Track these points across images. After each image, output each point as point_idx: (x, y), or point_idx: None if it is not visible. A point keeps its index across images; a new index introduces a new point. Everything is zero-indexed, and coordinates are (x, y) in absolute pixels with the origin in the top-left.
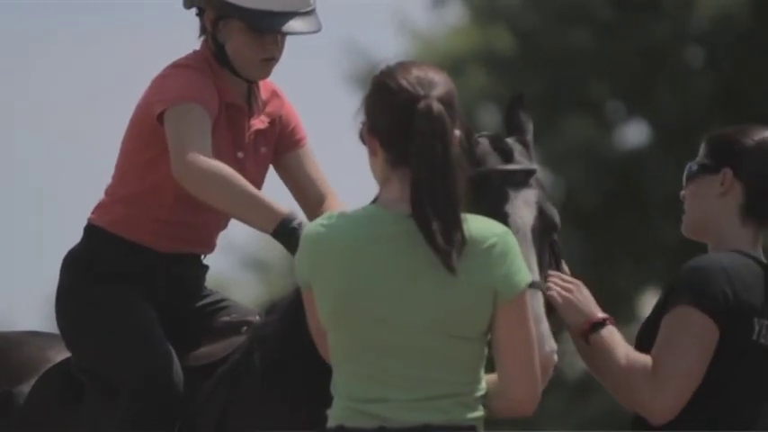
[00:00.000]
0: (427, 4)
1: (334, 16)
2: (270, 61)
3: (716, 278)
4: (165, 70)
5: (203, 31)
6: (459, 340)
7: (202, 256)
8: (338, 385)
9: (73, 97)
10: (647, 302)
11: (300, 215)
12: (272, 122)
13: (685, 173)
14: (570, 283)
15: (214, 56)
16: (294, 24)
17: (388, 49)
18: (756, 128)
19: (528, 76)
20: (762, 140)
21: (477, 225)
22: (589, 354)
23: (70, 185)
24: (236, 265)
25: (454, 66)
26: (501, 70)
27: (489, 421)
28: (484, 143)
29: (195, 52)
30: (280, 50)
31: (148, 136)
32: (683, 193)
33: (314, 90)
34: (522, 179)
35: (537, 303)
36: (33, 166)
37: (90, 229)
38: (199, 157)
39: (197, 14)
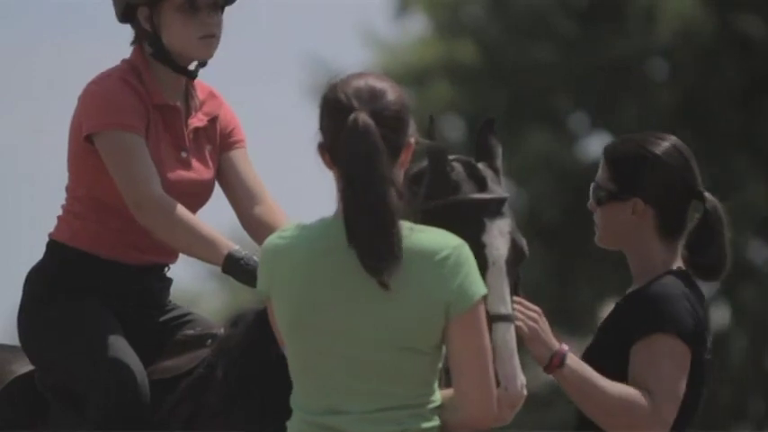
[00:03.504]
0: (391, 16)
1: (298, 28)
2: (210, 39)
3: (682, 306)
4: (88, 86)
5: (138, 36)
6: (412, 353)
7: (166, 268)
8: (296, 396)
9: (51, 111)
10: None
11: (245, 249)
12: (211, 121)
13: (591, 192)
14: (533, 311)
15: (153, 55)
16: None
17: (352, 60)
18: (653, 141)
19: (491, 89)
20: (662, 159)
21: (430, 237)
22: (567, 382)
23: (33, 199)
24: (200, 275)
25: (418, 77)
26: (464, 82)
27: None
28: (458, 169)
29: (122, 61)
30: (218, 26)
31: (84, 153)
32: (590, 205)
33: (276, 104)
34: (496, 208)
35: (510, 337)
36: (3, 173)
37: (51, 245)
38: (150, 196)
39: (132, 25)
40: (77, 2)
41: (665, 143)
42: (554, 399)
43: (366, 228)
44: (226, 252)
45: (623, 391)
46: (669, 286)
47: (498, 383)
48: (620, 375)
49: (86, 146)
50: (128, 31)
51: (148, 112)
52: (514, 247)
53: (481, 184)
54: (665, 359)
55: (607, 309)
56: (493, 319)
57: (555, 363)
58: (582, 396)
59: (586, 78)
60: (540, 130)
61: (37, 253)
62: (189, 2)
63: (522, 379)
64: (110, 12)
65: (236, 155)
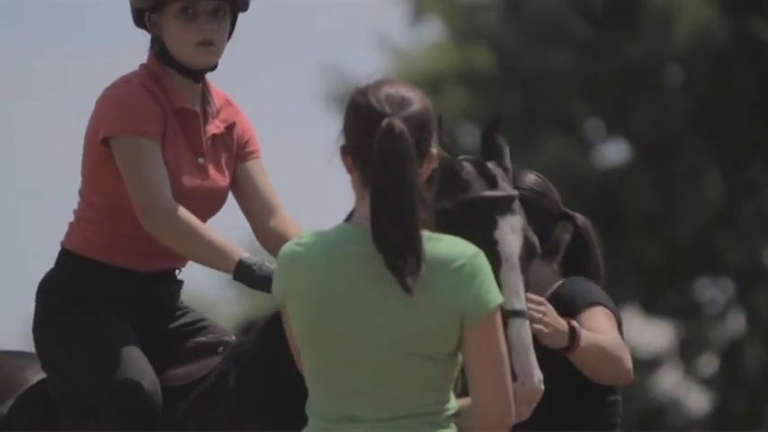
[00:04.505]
0: (406, 23)
1: (313, 34)
2: (207, 46)
3: (598, 290)
4: (106, 90)
5: (153, 40)
6: (427, 360)
7: (177, 271)
8: (311, 404)
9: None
10: (626, 321)
11: (255, 256)
12: (228, 128)
13: None
14: (541, 304)
15: (159, 58)
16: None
17: (367, 67)
18: (519, 175)
19: (507, 95)
20: (534, 188)
21: (446, 245)
22: (584, 354)
23: (51, 203)
24: (219, 283)
25: (433, 84)
26: (480, 89)
27: None
28: (468, 168)
29: (140, 66)
30: (216, 33)
31: (100, 157)
32: None
33: (293, 109)
34: (506, 205)
35: (525, 332)
36: (11, 185)
37: (63, 254)
38: (159, 202)
39: (148, 30)
40: (78, 5)
41: (530, 175)
42: None
43: (394, 232)
44: (237, 258)
45: (614, 340)
46: (577, 281)
47: (515, 378)
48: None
49: (103, 150)
50: (125, 38)
51: (167, 117)
52: (527, 244)
53: (491, 182)
54: (605, 319)
55: (624, 313)
56: (508, 315)
57: (577, 345)
58: (594, 361)
59: (602, 84)
60: (556, 136)
61: (45, 256)
62: (186, 8)
63: (538, 374)
64: (108, 18)
65: (252, 165)
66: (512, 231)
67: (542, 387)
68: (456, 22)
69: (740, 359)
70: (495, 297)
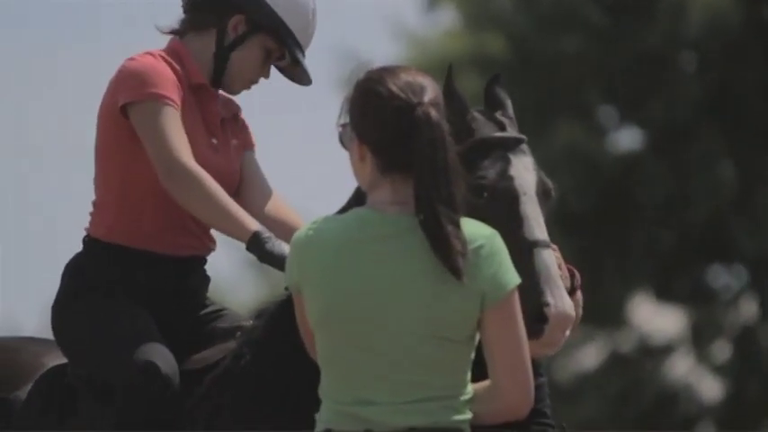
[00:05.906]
0: (421, 9)
1: (327, 19)
2: (251, 85)
3: None
4: (124, 63)
5: (204, 24)
6: (446, 342)
7: (204, 262)
8: (325, 387)
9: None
10: (638, 307)
11: (270, 231)
12: (234, 117)
13: None
14: (554, 250)
15: (215, 55)
16: (305, 68)
17: (382, 53)
18: None
19: (521, 81)
20: None
21: (464, 227)
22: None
23: (76, 187)
24: (238, 265)
25: (447, 70)
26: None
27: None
28: (478, 116)
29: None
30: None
31: (119, 130)
32: None
33: (305, 94)
34: (517, 145)
35: (551, 260)
36: (39, 169)
37: (87, 241)
38: (183, 161)
39: (206, 12)
40: (78, 5)
41: None
42: (583, 390)
43: (445, 216)
44: (253, 229)
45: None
46: None
47: (546, 304)
48: None
49: (121, 121)
50: (125, 39)
51: (184, 91)
52: (542, 183)
53: (501, 126)
54: None
55: (636, 302)
56: (532, 245)
57: (578, 289)
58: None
59: (615, 70)
60: (569, 122)
61: (78, 240)
62: (270, 50)
63: (568, 300)
64: (108, 19)
65: (247, 155)
66: (525, 169)
67: (573, 312)
68: (470, 7)
69: (753, 345)
70: (513, 278)
